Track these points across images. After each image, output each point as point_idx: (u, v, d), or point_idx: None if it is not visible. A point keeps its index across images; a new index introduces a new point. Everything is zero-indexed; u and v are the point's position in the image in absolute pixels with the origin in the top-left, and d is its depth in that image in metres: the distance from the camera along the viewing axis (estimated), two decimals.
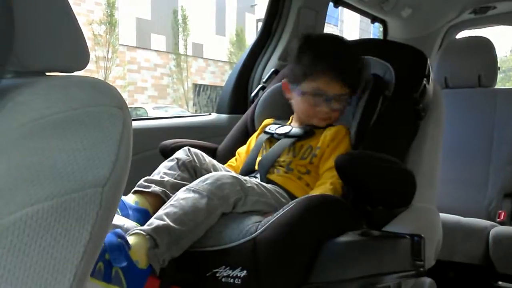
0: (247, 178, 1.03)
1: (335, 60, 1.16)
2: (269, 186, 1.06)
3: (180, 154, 1.12)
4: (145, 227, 0.86)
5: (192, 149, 1.14)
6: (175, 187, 1.01)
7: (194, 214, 0.89)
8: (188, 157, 1.11)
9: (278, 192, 1.06)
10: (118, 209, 0.95)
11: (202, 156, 1.14)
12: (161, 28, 14.36)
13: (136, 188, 1.03)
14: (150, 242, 0.83)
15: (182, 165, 1.09)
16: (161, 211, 0.90)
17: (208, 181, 0.93)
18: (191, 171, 1.10)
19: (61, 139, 0.43)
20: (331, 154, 1.13)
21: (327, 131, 1.18)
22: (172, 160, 1.11)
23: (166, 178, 1.05)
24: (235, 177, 0.98)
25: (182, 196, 0.92)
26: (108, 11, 12.59)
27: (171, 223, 0.86)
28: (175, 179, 1.06)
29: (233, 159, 1.33)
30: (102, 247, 0.78)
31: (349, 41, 1.31)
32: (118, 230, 0.83)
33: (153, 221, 0.87)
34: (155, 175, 1.07)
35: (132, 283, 0.79)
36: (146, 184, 1.03)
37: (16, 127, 0.42)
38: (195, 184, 0.94)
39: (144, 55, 14.22)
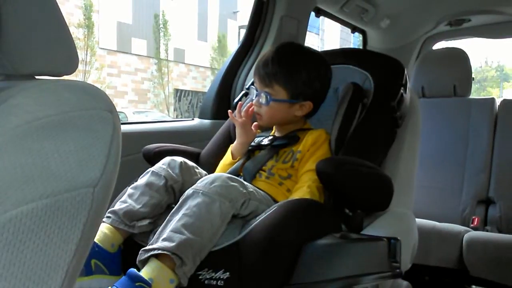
0: (244, 182, 1.04)
1: (265, 63, 1.19)
2: (262, 192, 1.08)
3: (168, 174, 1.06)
4: (166, 244, 0.85)
5: (184, 165, 1.10)
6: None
7: (210, 221, 0.89)
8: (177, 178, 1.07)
9: (268, 199, 1.08)
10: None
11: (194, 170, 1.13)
12: (143, 33, 14.28)
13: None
14: (177, 261, 0.84)
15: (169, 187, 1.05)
16: (176, 222, 0.89)
17: (216, 183, 0.93)
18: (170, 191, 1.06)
19: (54, 141, 0.44)
20: (310, 157, 1.15)
21: (309, 135, 1.20)
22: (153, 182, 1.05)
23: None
24: (238, 179, 1.00)
25: (193, 203, 0.91)
26: (86, 14, 12.47)
27: (191, 236, 0.86)
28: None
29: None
30: None
31: (327, 50, 1.33)
32: (132, 271, 0.82)
33: (172, 236, 0.86)
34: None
35: None
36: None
37: (10, 129, 0.43)
38: (202, 185, 0.94)
39: (125, 59, 14.09)
